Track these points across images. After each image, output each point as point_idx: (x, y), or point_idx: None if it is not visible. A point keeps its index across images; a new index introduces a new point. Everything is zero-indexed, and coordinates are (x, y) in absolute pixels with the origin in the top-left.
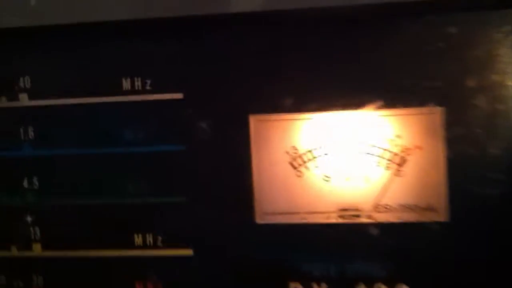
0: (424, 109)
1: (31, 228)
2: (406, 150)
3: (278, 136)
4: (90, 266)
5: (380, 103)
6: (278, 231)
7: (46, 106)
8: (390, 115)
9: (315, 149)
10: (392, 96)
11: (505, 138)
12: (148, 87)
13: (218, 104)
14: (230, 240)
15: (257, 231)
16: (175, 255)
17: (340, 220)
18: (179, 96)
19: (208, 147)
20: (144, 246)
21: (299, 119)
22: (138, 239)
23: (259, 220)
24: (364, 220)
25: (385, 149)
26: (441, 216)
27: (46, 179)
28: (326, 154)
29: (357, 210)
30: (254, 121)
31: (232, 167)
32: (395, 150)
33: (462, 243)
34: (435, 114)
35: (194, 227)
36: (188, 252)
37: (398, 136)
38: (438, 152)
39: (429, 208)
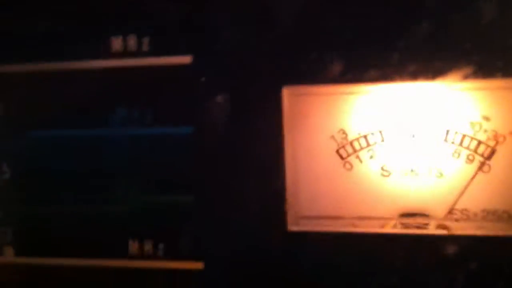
0: None
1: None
2: (496, 137)
3: (321, 115)
4: (78, 277)
5: (465, 71)
6: (317, 241)
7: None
8: (475, 89)
9: (371, 133)
10: (479, 62)
11: None
12: (145, 48)
13: (240, 71)
14: (252, 253)
15: (289, 241)
16: (180, 269)
17: (401, 230)
18: (186, 60)
19: (226, 130)
20: (141, 256)
21: (350, 93)
22: (133, 248)
23: (292, 226)
24: (433, 231)
25: (467, 135)
26: None
27: None
28: (385, 140)
29: (425, 216)
30: (289, 95)
31: (257, 157)
32: (481, 137)
33: None
34: None
35: (206, 235)
36: (198, 265)
37: (485, 118)
38: None
39: None
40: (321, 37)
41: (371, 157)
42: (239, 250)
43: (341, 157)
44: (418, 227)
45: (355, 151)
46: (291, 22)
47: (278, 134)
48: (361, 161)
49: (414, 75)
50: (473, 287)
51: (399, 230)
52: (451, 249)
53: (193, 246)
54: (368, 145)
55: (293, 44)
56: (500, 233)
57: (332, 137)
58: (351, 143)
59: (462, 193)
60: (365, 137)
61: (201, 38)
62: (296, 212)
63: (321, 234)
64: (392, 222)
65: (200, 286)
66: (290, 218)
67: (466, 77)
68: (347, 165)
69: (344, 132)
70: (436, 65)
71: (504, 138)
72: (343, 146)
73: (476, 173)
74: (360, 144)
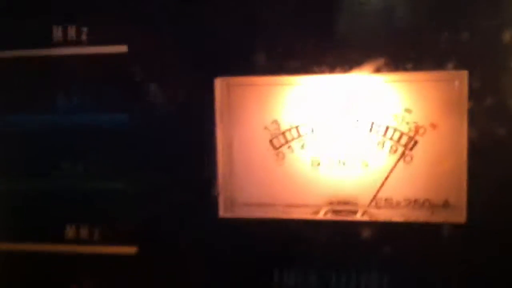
0: (442, 74)
1: None
2: (417, 128)
3: (255, 106)
4: (12, 263)
5: (381, 62)
6: (249, 228)
7: None
8: (397, 81)
9: (302, 124)
10: (400, 54)
11: None
12: (83, 38)
13: (173, 61)
14: (185, 238)
15: (221, 227)
16: (115, 254)
17: (330, 217)
18: (122, 49)
19: (160, 116)
20: (77, 241)
21: (281, 84)
22: (70, 232)
23: (224, 213)
24: (360, 218)
25: (390, 127)
26: (459, 215)
27: None
28: (315, 131)
29: (352, 204)
30: (222, 85)
31: (190, 146)
32: (403, 128)
33: (483, 251)
34: (457, 80)
35: (139, 219)
36: (132, 250)
37: (407, 111)
38: (459, 132)
39: (444, 205)
40: (248, 28)
41: (302, 147)
42: (172, 234)
43: (274, 147)
44: (346, 214)
45: (287, 141)
46: (219, 14)
47: (210, 123)
48: (293, 151)
49: (332, 67)
50: (391, 271)
51: (328, 217)
52: (372, 234)
53: (128, 231)
54: (300, 135)
55: (224, 36)
56: (420, 219)
57: (266, 127)
58: (283, 134)
59: (384, 182)
60: (296, 128)
61: (137, 28)
62: (231, 200)
63: (253, 221)
64: (322, 210)
65: (134, 270)
66: (223, 204)
67: (384, 70)
68: (280, 155)
69: (277, 123)
70: (351, 57)
71: (425, 129)
72: (276, 137)
73: (397, 163)
74: (292, 135)
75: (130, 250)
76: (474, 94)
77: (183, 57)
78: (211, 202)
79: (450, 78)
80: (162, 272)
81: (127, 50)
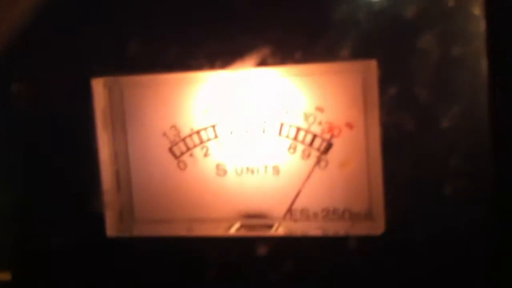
0: (352, 64)
1: None
2: (331, 129)
3: (151, 110)
4: None
5: (266, 53)
6: (144, 248)
7: None
8: (302, 75)
9: (204, 129)
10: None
11: (465, 102)
12: None
13: (39, 56)
14: (66, 262)
15: (109, 249)
16: None
17: (241, 233)
18: None
19: (28, 122)
20: None
21: (180, 83)
22: None
23: (112, 232)
24: (274, 232)
25: (301, 129)
26: (378, 226)
27: None
28: (218, 136)
29: (264, 217)
30: (102, 86)
31: (67, 158)
32: (316, 129)
33: (404, 264)
34: (366, 70)
35: (14, 242)
36: (5, 276)
37: (319, 109)
38: (375, 130)
39: (363, 215)
40: (119, 20)
41: (205, 155)
42: (49, 258)
43: (175, 156)
44: (258, 229)
45: (188, 149)
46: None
47: (88, 131)
48: (195, 160)
49: (211, 61)
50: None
51: (239, 233)
52: (284, 250)
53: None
54: (202, 141)
55: (97, 34)
56: (340, 233)
57: (164, 134)
58: (183, 140)
59: (299, 191)
60: (198, 133)
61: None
62: (117, 217)
63: (147, 239)
64: (232, 225)
65: None
66: (111, 222)
67: (264, 61)
68: (181, 164)
69: (176, 128)
70: (232, 49)
71: (340, 130)
72: (176, 144)
73: (312, 170)
74: (193, 141)
75: (3, 276)
76: (383, 85)
77: (54, 56)
78: (97, 221)
79: (359, 69)
80: None
81: None
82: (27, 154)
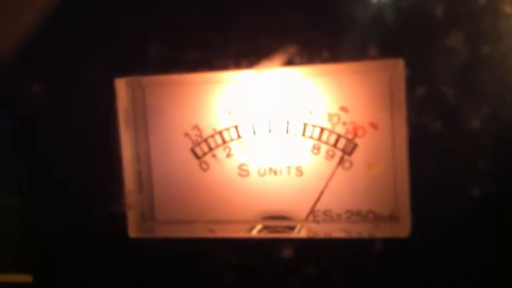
0: (378, 64)
1: None
2: (355, 129)
3: (173, 110)
4: None
5: (293, 52)
6: (167, 250)
7: None
8: (326, 75)
9: (226, 129)
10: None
11: (494, 102)
12: None
13: (60, 60)
14: (88, 263)
15: (132, 249)
16: (8, 282)
17: (263, 235)
18: None
19: (49, 123)
20: None
21: (202, 83)
22: None
23: (135, 233)
24: (297, 234)
25: (325, 129)
26: (404, 228)
27: None
28: (241, 137)
29: (287, 218)
30: (125, 86)
31: (90, 157)
32: (340, 130)
33: (430, 267)
34: (393, 70)
35: (36, 244)
36: (26, 278)
37: (343, 109)
38: (401, 131)
39: (387, 217)
40: (143, 22)
41: (227, 155)
42: (72, 260)
43: (197, 156)
44: (281, 231)
45: (210, 149)
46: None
47: (111, 131)
48: (217, 161)
49: (236, 61)
50: None
51: (261, 234)
52: (308, 252)
53: (21, 257)
54: (224, 142)
55: (121, 34)
56: (364, 234)
57: (186, 134)
58: (206, 141)
59: (322, 192)
60: (220, 133)
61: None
62: (140, 217)
63: (170, 240)
64: (254, 226)
65: None
66: (134, 223)
67: (291, 61)
68: (203, 165)
69: (198, 129)
70: (258, 49)
71: (364, 130)
72: (198, 144)
73: (335, 170)
74: (215, 142)
75: (24, 278)
76: (411, 84)
77: (78, 56)
78: (119, 222)
79: (385, 68)
80: None
81: None
82: (50, 155)
